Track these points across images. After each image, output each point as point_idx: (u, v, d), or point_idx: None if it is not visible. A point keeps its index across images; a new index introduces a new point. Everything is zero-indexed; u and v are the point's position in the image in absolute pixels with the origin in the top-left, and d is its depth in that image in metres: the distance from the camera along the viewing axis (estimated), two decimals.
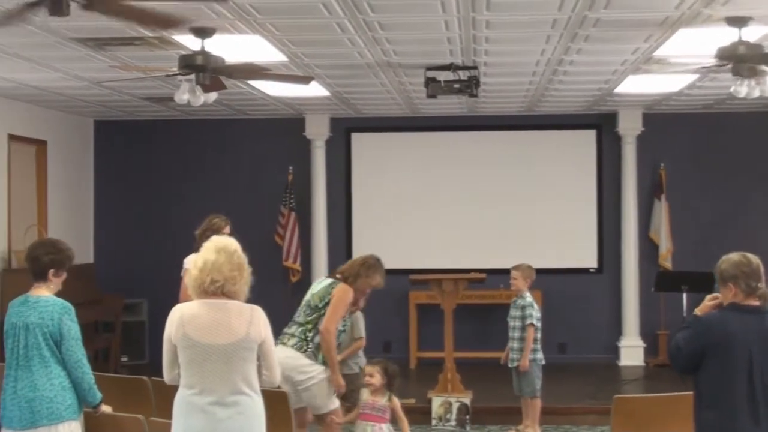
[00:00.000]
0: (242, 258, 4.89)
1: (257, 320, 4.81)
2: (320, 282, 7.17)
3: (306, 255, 13.02)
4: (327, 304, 6.80)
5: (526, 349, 8.95)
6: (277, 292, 12.74)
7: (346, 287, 6.91)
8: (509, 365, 9.15)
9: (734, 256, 4.95)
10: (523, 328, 8.98)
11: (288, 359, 6.63)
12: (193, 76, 7.27)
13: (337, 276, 7.05)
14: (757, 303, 4.84)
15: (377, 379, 6.82)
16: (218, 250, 4.85)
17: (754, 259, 4.91)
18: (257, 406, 4.85)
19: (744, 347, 4.71)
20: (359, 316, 8.79)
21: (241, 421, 4.78)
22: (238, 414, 4.77)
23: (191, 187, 13.36)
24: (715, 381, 4.72)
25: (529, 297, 9.12)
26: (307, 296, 7.02)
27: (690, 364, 4.82)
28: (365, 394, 6.88)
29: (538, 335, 9.08)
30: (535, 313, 9.02)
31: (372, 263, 7.11)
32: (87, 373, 5.37)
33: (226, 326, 4.75)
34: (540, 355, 9.12)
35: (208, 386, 4.77)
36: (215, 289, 4.79)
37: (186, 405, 4.84)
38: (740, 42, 7.07)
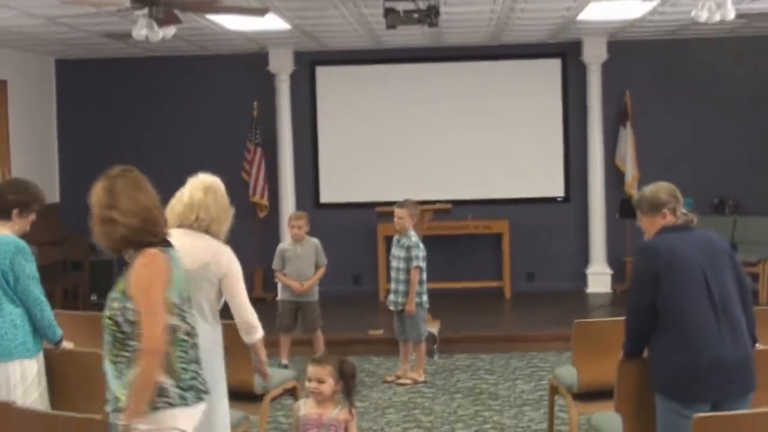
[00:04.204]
0: (226, 199, 4.98)
1: (221, 253, 4.86)
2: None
3: (273, 190, 13.00)
4: None
5: (411, 292, 8.65)
6: (245, 228, 12.74)
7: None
8: (391, 308, 8.90)
9: (661, 183, 5.08)
10: (408, 270, 8.70)
11: None
12: (146, 10, 7.18)
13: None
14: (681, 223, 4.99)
15: (329, 384, 4.79)
16: (206, 190, 4.88)
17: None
18: (210, 338, 4.85)
19: (694, 261, 4.78)
20: (318, 244, 9.01)
21: None
22: None
23: (156, 125, 13.28)
24: (675, 301, 4.75)
25: (414, 236, 8.78)
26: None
27: (648, 301, 4.79)
28: (303, 408, 4.88)
29: (424, 277, 8.80)
30: (421, 253, 8.70)
31: None
32: (46, 311, 5.36)
33: (188, 252, 4.76)
34: (425, 298, 8.85)
35: None
36: (198, 226, 4.85)
37: None
38: None
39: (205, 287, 4.81)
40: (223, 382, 4.96)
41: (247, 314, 4.91)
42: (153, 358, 3.87)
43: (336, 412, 4.76)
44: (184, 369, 4.03)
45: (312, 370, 4.78)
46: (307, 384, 4.79)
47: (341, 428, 4.74)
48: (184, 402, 4.01)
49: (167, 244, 4.07)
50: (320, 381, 4.74)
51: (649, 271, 4.81)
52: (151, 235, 4.00)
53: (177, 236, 4.81)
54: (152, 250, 3.98)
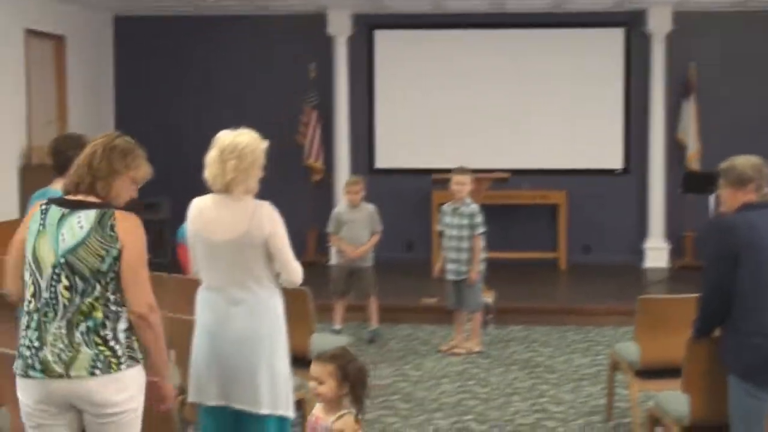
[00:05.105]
0: (238, 153, 4.69)
1: (260, 216, 4.70)
2: (64, 218, 3.85)
3: (328, 154, 12.90)
4: (116, 260, 3.81)
5: (475, 260, 8.51)
6: (299, 191, 12.71)
7: (133, 216, 3.96)
8: (452, 278, 8.66)
9: (752, 158, 4.88)
10: (470, 238, 8.54)
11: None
12: None
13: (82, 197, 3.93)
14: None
15: (329, 387, 4.14)
16: (214, 147, 4.75)
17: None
18: (266, 303, 4.76)
19: None
20: (374, 210, 8.98)
21: (248, 319, 4.72)
22: (246, 311, 4.72)
23: (212, 84, 13.21)
24: (753, 281, 4.58)
25: (474, 204, 8.63)
26: (60, 252, 3.80)
27: (726, 281, 4.63)
28: (316, 407, 4.30)
29: (483, 244, 8.71)
30: (483, 220, 8.61)
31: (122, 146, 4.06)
32: None
33: (228, 222, 4.68)
34: (483, 267, 8.73)
35: (216, 282, 4.75)
36: (210, 187, 4.74)
37: (200, 300, 4.85)
38: None
39: (250, 254, 4.69)
40: (284, 345, 4.86)
41: (293, 274, 4.79)
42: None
43: (332, 420, 4.13)
44: (21, 334, 3.85)
45: (312, 368, 4.19)
46: (309, 386, 4.27)
47: None
48: (16, 369, 3.86)
49: (59, 203, 3.90)
50: (320, 381, 4.14)
51: (729, 250, 4.64)
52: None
53: (209, 206, 4.77)
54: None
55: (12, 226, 9.15)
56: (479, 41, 12.97)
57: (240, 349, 4.70)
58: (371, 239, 9.08)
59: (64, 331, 3.78)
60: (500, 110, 12.86)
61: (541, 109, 12.85)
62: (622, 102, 12.88)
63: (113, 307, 3.82)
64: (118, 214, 3.86)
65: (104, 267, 3.79)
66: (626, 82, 12.85)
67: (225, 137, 4.77)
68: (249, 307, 4.72)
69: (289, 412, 4.77)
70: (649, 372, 6.28)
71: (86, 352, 3.76)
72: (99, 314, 3.79)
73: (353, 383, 4.12)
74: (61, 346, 3.77)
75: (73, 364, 3.76)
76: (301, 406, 5.68)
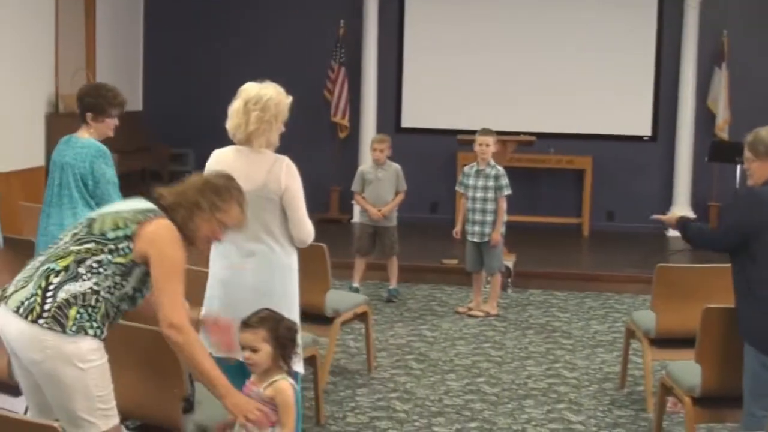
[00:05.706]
0: (262, 105, 4.69)
1: (278, 170, 4.69)
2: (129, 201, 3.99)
3: (355, 111, 12.87)
4: (126, 239, 3.73)
5: (499, 221, 8.57)
6: (325, 147, 12.71)
7: (172, 230, 3.83)
8: (474, 240, 8.68)
9: None
10: (496, 200, 8.57)
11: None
12: None
13: (160, 202, 3.91)
14: None
15: (265, 353, 3.95)
16: (239, 98, 4.76)
17: None
18: (280, 258, 4.76)
19: None
20: (400, 169, 8.96)
21: (261, 272, 4.72)
22: (259, 264, 4.72)
23: (242, 37, 13.16)
24: None
25: (498, 165, 8.68)
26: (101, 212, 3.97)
27: (735, 245, 4.67)
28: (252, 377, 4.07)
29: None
30: (508, 182, 8.63)
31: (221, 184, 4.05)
32: None
33: (246, 174, 4.65)
34: (505, 229, 8.75)
35: (230, 233, 4.73)
36: (232, 138, 4.75)
37: (214, 252, 4.84)
38: None
39: (266, 207, 4.69)
40: (296, 301, 4.87)
41: (304, 233, 4.79)
42: None
43: (264, 386, 3.92)
44: None
45: (243, 336, 3.97)
46: (243, 355, 4.01)
47: (268, 407, 3.89)
48: None
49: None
50: (253, 349, 3.93)
51: (752, 223, 4.62)
52: None
53: (229, 158, 4.77)
54: None
55: (37, 173, 9.28)
56: (510, 2, 12.85)
57: (250, 302, 4.71)
58: (396, 198, 9.09)
59: (37, 264, 3.74)
60: (529, 73, 12.76)
61: (570, 74, 12.73)
62: (652, 67, 12.74)
63: (81, 269, 3.67)
64: (161, 219, 3.78)
65: (110, 234, 3.72)
66: (657, 48, 12.71)
67: (250, 89, 4.78)
68: (262, 260, 4.72)
69: (299, 368, 4.77)
70: (665, 341, 6.26)
71: (27, 289, 3.65)
72: (63, 263, 3.68)
73: (284, 342, 3.99)
74: (26, 275, 3.73)
75: (14, 294, 3.67)
76: (311, 362, 5.72)
